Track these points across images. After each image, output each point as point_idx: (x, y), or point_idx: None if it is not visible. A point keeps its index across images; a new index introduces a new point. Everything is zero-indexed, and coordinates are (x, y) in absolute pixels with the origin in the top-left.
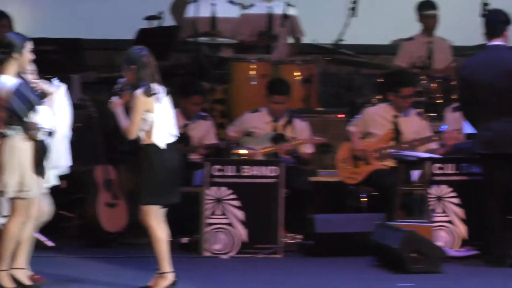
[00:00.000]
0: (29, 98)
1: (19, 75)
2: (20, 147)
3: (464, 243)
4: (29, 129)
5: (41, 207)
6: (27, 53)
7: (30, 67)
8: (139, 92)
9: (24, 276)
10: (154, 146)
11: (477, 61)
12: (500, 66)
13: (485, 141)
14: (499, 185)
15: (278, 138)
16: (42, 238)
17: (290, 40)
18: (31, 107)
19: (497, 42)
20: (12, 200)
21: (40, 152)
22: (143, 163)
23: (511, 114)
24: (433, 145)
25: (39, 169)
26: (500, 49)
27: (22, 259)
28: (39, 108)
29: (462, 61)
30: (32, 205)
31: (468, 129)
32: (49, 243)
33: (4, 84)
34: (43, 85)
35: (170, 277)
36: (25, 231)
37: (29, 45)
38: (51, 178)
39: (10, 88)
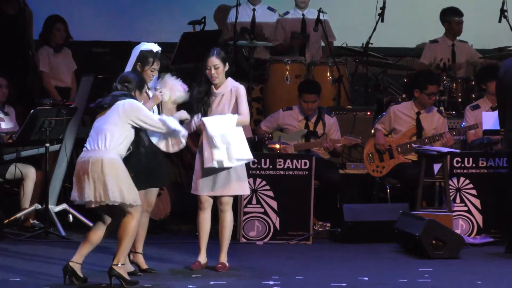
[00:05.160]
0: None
1: None
2: (120, 160)
3: (480, 231)
4: None
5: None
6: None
7: None
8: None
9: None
10: None
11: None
12: None
13: (508, 140)
14: None
15: (310, 135)
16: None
17: (322, 43)
18: None
19: None
20: (126, 206)
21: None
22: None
23: None
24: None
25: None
26: None
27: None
28: None
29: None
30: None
31: (486, 125)
32: None
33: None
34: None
35: None
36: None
37: None
38: None
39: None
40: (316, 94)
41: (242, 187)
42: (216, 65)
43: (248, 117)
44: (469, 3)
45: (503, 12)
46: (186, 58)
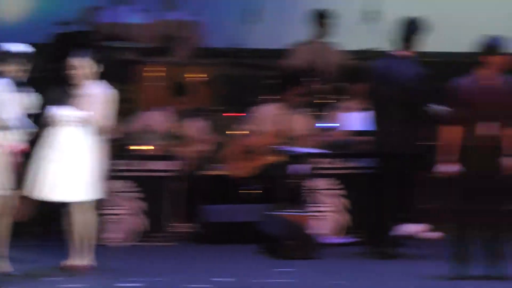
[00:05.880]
0: None
1: None
2: None
3: (341, 231)
4: None
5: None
6: None
7: None
8: None
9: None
10: None
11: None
12: (398, 76)
13: (380, 141)
14: (388, 181)
15: (175, 137)
16: None
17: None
18: None
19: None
20: None
21: None
22: None
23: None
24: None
25: None
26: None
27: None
28: None
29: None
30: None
31: (350, 126)
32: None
33: None
34: None
35: None
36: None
37: None
38: None
39: None
40: (188, 96)
41: (85, 192)
42: (78, 65)
43: (105, 121)
44: (340, 3)
45: (370, 13)
46: (56, 59)
